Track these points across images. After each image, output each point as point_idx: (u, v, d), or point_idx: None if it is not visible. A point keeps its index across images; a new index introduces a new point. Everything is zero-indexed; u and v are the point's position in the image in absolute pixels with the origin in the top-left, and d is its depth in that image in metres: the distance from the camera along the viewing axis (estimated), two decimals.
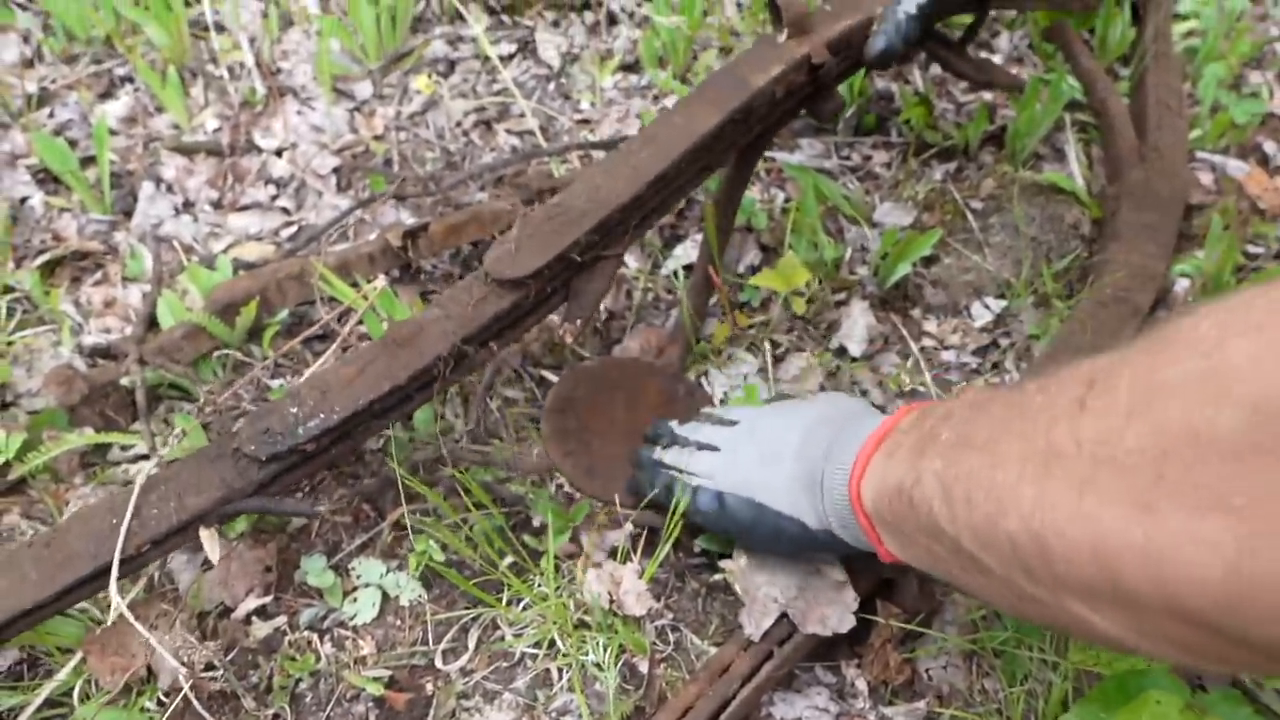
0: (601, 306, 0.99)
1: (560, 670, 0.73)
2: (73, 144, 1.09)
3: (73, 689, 0.68)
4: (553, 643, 0.74)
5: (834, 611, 0.70)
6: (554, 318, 0.82)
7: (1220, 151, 1.14)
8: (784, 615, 0.70)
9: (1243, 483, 0.32)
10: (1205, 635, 0.34)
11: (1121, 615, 0.37)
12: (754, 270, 1.03)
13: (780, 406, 0.74)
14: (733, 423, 0.74)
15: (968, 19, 1.03)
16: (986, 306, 0.98)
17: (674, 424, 0.78)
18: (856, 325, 0.94)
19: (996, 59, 1.29)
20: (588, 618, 0.74)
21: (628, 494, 0.77)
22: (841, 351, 0.94)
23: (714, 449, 0.72)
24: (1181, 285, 0.96)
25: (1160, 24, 1.21)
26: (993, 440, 0.45)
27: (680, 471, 0.73)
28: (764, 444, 0.70)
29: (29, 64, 1.17)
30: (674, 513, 0.72)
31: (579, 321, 0.76)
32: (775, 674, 0.68)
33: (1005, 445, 0.43)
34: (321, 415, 0.67)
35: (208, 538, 0.68)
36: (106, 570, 0.64)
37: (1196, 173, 1.11)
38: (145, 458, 0.83)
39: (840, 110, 0.87)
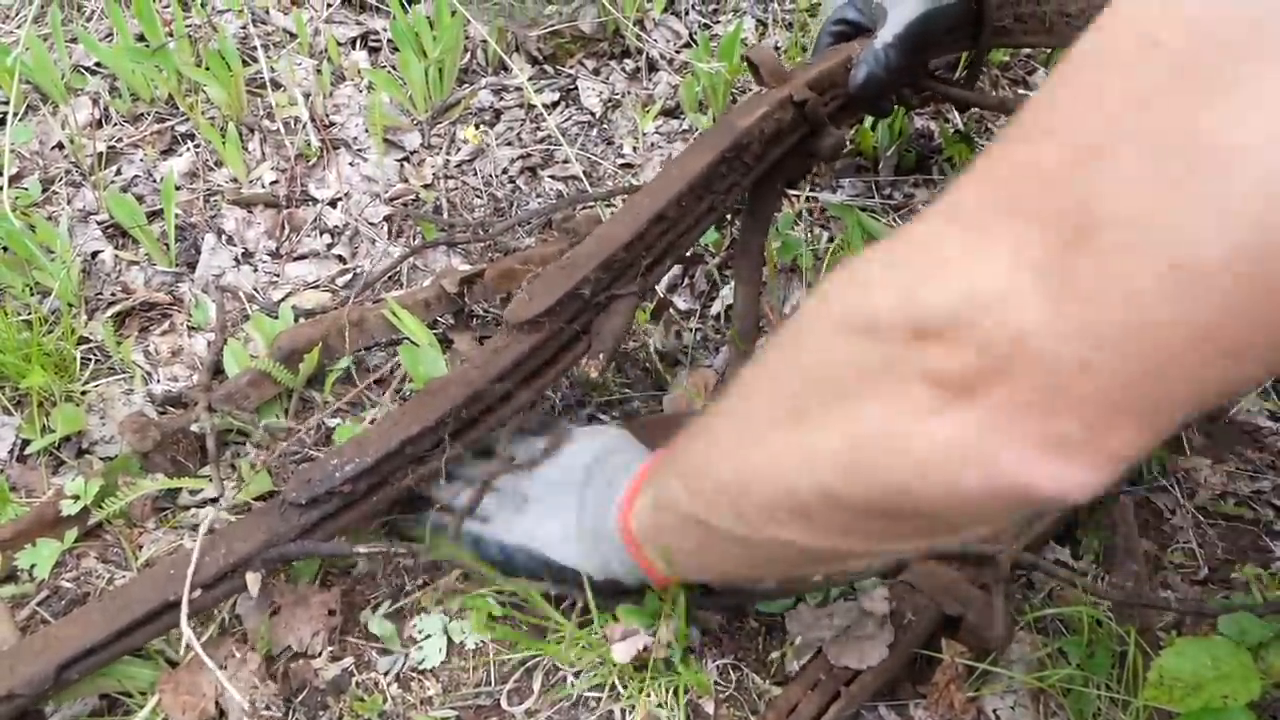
0: (651, 349, 1.00)
1: (623, 712, 0.73)
2: (139, 199, 1.13)
3: None
4: (614, 685, 0.74)
5: (869, 646, 0.71)
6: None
7: None
8: (819, 651, 0.72)
9: (819, 402, 0.44)
10: (851, 515, 0.44)
11: (802, 522, 0.46)
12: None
13: (555, 453, 0.77)
14: (513, 464, 0.77)
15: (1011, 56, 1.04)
16: None
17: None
18: None
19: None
20: (646, 656, 0.75)
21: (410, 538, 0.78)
22: None
23: (493, 490, 0.76)
24: None
25: None
26: (707, 430, 0.56)
27: (460, 514, 0.75)
28: (544, 497, 0.74)
29: (98, 124, 1.22)
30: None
31: (601, 356, 0.80)
32: (842, 714, 0.68)
33: (713, 429, 0.55)
34: (357, 460, 0.72)
35: (252, 579, 0.71)
36: (161, 612, 0.68)
37: None
38: (214, 501, 0.85)
39: (841, 147, 0.90)
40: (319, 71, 1.30)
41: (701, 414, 0.61)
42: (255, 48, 1.28)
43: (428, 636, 0.77)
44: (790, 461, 0.45)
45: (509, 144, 1.27)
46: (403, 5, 1.25)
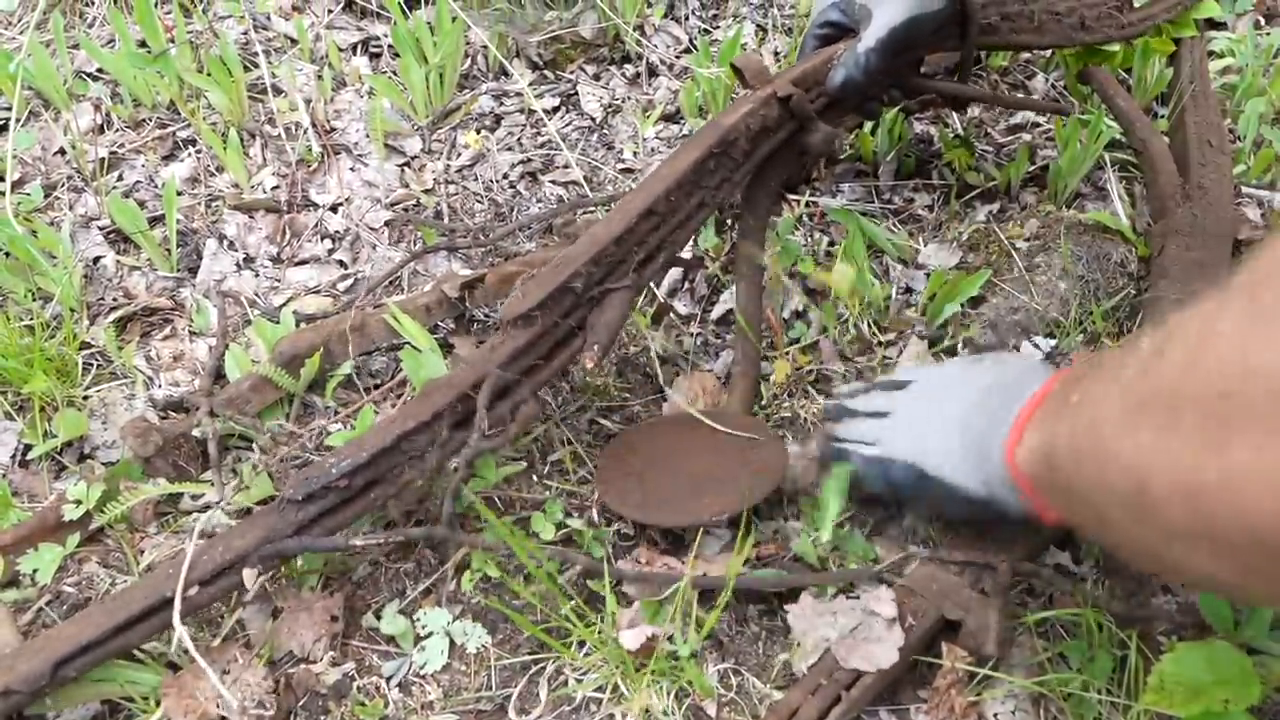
0: (652, 352, 1.01)
1: (625, 715, 0.73)
2: (140, 205, 1.13)
3: None
4: (616, 687, 0.74)
5: (879, 649, 0.71)
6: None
7: (1266, 186, 1.14)
8: (828, 651, 0.72)
9: (1253, 429, 0.34)
10: None
11: (1216, 554, 0.39)
12: (799, 314, 1.04)
13: (950, 370, 0.78)
14: (904, 384, 0.79)
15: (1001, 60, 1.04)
16: (1036, 346, 0.98)
17: (846, 398, 0.83)
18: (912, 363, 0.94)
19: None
20: (649, 660, 0.75)
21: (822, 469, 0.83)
22: None
23: (882, 415, 0.77)
24: None
25: (1196, 63, 1.22)
26: (1098, 396, 0.49)
27: (849, 443, 0.78)
28: (932, 410, 0.73)
29: (100, 130, 1.23)
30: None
31: (596, 348, 0.80)
32: (843, 718, 0.68)
33: (1106, 400, 0.47)
34: (353, 456, 0.72)
35: (248, 575, 0.71)
36: (158, 609, 0.68)
37: (1243, 208, 1.11)
38: (217, 505, 0.85)
39: (831, 141, 0.90)
40: (320, 77, 1.30)
41: (1097, 366, 0.54)
42: (256, 53, 1.29)
43: (430, 634, 0.77)
44: (1210, 491, 0.37)
45: (509, 149, 1.27)
46: (403, 11, 1.25)
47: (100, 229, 1.12)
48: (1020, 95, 1.30)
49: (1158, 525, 0.42)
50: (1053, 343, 0.98)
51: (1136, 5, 1.10)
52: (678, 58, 1.38)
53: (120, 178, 1.18)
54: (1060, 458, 0.54)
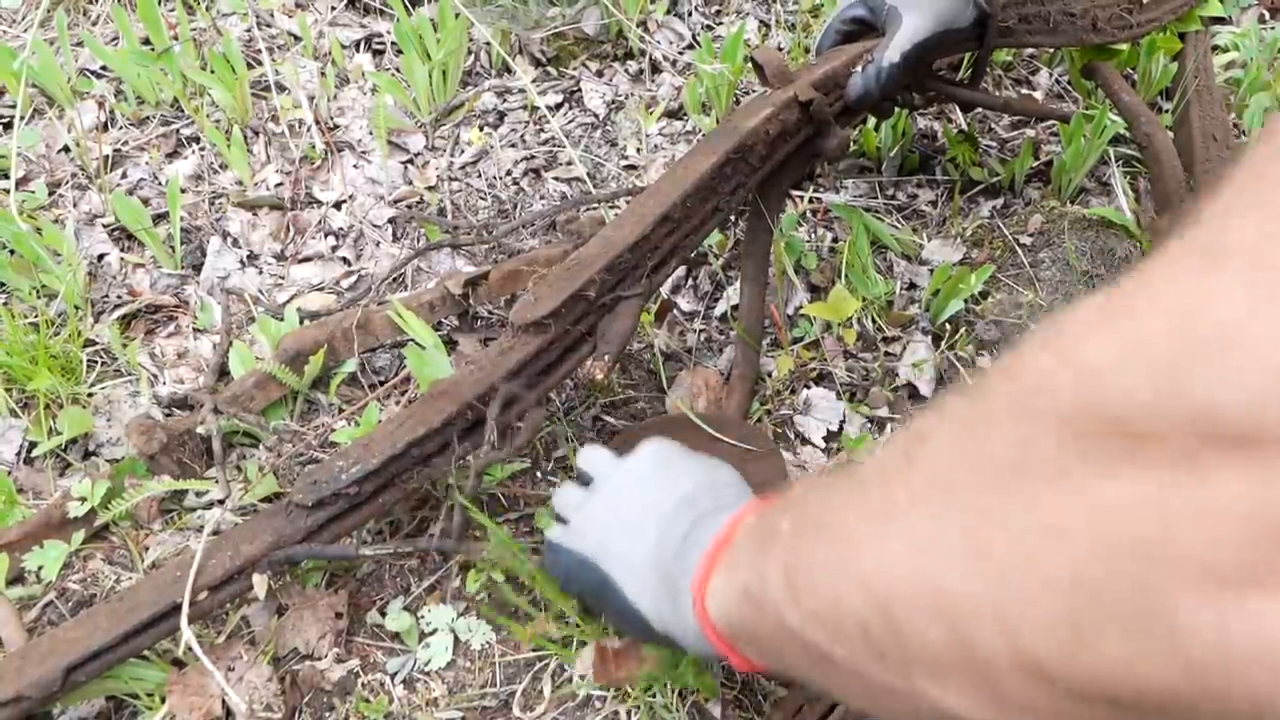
0: (656, 348, 1.01)
1: (629, 713, 0.73)
2: (144, 202, 1.13)
3: None
4: None
5: None
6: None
7: None
8: None
9: (1073, 508, 0.28)
10: (1057, 696, 0.29)
11: (974, 687, 0.32)
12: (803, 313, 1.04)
13: (664, 457, 0.66)
14: (610, 456, 0.68)
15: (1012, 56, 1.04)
16: None
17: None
18: (921, 360, 0.94)
19: (1037, 95, 1.30)
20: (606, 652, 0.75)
21: None
22: (912, 391, 0.95)
23: (585, 483, 0.68)
24: None
25: (1200, 58, 1.21)
26: (829, 516, 0.41)
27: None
28: (626, 506, 0.63)
29: (104, 128, 1.23)
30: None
31: (606, 358, 0.80)
32: (848, 715, 0.68)
33: (840, 517, 0.39)
34: (362, 463, 0.72)
35: (259, 582, 0.71)
36: (167, 614, 0.68)
37: None
38: (221, 503, 0.85)
39: (845, 145, 0.89)
40: (323, 74, 1.30)
41: (808, 484, 0.48)
42: (260, 51, 1.29)
43: (434, 631, 0.77)
44: (967, 595, 0.31)
45: (513, 146, 1.27)
46: (406, 8, 1.25)
47: (104, 226, 1.12)
48: (1026, 95, 1.30)
49: (902, 658, 0.35)
50: None
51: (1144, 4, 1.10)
52: (681, 54, 1.38)
53: (124, 175, 1.18)
54: (772, 595, 0.43)
